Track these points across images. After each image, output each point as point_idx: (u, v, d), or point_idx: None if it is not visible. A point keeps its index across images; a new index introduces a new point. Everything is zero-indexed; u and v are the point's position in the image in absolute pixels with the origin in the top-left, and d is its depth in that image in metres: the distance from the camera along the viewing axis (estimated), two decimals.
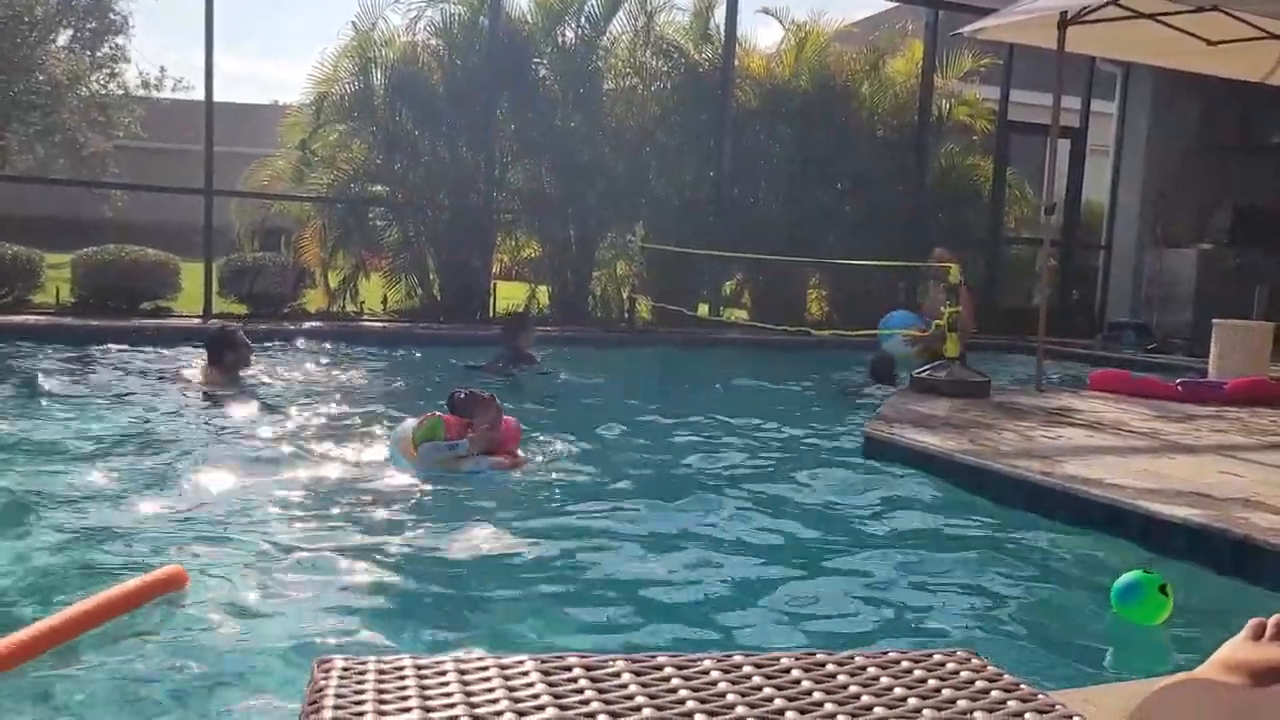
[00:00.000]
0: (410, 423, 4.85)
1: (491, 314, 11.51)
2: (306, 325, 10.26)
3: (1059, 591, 3.51)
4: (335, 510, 4.11)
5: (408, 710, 1.20)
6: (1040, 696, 1.29)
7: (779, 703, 1.25)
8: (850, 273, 11.10)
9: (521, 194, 12.21)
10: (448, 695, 1.24)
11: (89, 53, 23.43)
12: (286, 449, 5.16)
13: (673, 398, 7.74)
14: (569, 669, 1.33)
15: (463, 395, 4.93)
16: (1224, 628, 1.29)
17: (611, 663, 1.35)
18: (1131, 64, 12.83)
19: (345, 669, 1.33)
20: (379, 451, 5.06)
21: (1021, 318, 11.74)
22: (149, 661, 2.62)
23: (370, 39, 11.56)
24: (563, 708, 1.21)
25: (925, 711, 1.24)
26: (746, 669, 1.35)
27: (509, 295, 12.11)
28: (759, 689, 1.29)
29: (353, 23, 11.57)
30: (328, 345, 9.40)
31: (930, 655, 1.43)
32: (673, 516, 4.24)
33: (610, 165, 12.03)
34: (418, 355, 9.33)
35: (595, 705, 1.22)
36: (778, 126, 12.74)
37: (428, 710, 1.20)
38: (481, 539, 3.79)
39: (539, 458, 5.20)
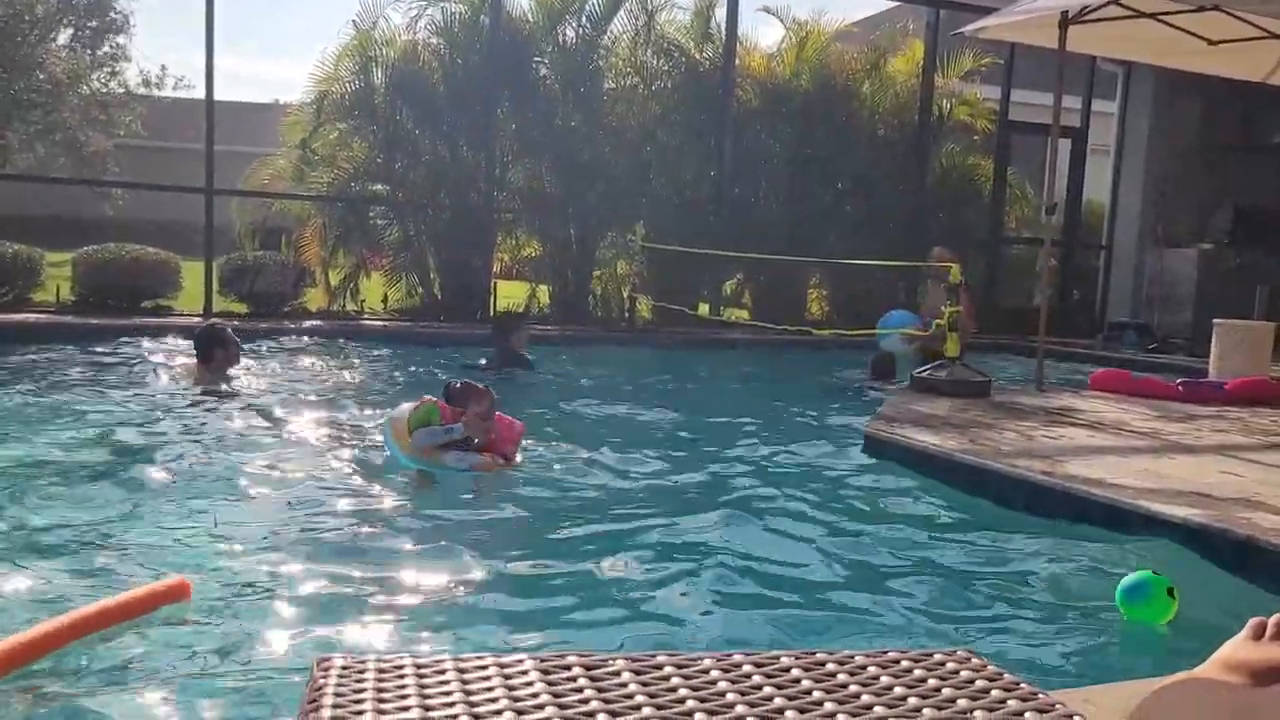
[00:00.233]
0: (405, 407, 4.86)
1: (492, 313, 11.52)
2: (307, 324, 10.26)
3: (1059, 591, 3.50)
4: (334, 509, 4.11)
5: (407, 709, 1.20)
6: (1040, 696, 1.29)
7: (779, 702, 1.25)
8: (851, 272, 11.10)
9: (522, 193, 12.21)
10: (447, 694, 1.24)
11: (90, 51, 23.45)
12: (285, 448, 5.16)
13: (672, 397, 7.74)
14: (568, 668, 1.32)
15: (458, 385, 4.95)
16: (1224, 628, 1.29)
17: (611, 662, 1.35)
18: (1132, 64, 12.83)
19: (345, 668, 1.33)
20: (378, 450, 5.06)
21: (1022, 318, 11.74)
22: (148, 660, 2.62)
23: (371, 38, 11.56)
24: (562, 707, 1.21)
25: (925, 711, 1.24)
26: (746, 668, 1.35)
27: (509, 294, 12.11)
28: (759, 688, 1.29)
29: (353, 21, 11.59)
30: (327, 344, 9.40)
31: (930, 655, 1.43)
32: (672, 516, 4.24)
33: (611, 165, 12.03)
34: (417, 354, 9.33)
35: (595, 705, 1.22)
36: (778, 126, 12.74)
37: (427, 709, 1.20)
38: (481, 538, 3.79)
39: (539, 450, 5.20)
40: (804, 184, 12.57)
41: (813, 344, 10.29)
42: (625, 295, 12.03)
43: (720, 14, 12.35)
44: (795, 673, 1.34)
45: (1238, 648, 1.19)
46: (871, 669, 1.36)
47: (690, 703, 1.23)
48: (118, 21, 23.86)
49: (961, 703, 1.26)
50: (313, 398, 6.75)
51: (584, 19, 11.97)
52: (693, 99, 12.39)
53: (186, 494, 4.20)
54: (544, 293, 12.39)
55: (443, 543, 3.72)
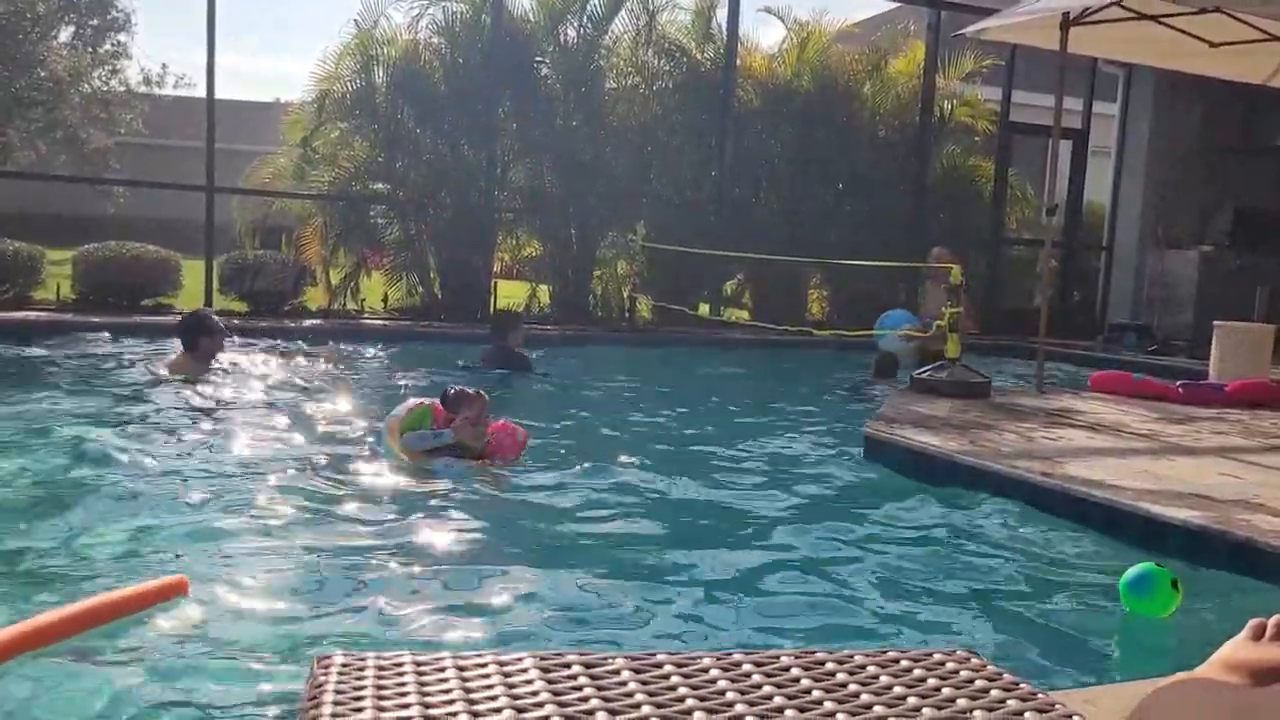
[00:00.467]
0: (401, 409, 4.88)
1: (492, 313, 11.51)
2: (307, 323, 10.26)
3: (1059, 591, 3.50)
4: (333, 507, 4.11)
5: (406, 706, 1.20)
6: (1040, 696, 1.29)
7: (778, 701, 1.25)
8: (851, 273, 11.09)
9: (523, 193, 12.20)
10: (447, 691, 1.24)
11: (91, 49, 23.42)
12: (284, 447, 5.16)
13: (672, 397, 7.74)
14: (568, 666, 1.32)
15: (453, 392, 4.96)
16: (1224, 629, 1.29)
17: (611, 660, 1.35)
18: (1133, 65, 12.82)
19: (345, 665, 1.33)
20: (376, 448, 5.06)
21: (1022, 319, 11.74)
22: (146, 658, 2.62)
23: (372, 37, 11.56)
24: (562, 705, 1.21)
25: (925, 710, 1.24)
26: (746, 667, 1.35)
27: (510, 294, 12.11)
28: (758, 687, 1.29)
29: (355, 20, 11.58)
30: (327, 343, 9.39)
31: (930, 654, 1.43)
32: (671, 515, 4.24)
33: (611, 164, 12.03)
34: (417, 354, 9.32)
35: (595, 703, 1.22)
36: (779, 126, 12.74)
37: (427, 706, 1.20)
38: (481, 537, 3.79)
39: (538, 449, 5.19)
40: (805, 184, 12.56)
41: (814, 344, 10.29)
42: (625, 295, 12.02)
43: (721, 14, 12.36)
44: (795, 672, 1.34)
45: (1238, 648, 1.19)
46: (871, 668, 1.36)
47: (690, 702, 1.23)
48: (119, 19, 23.85)
49: (961, 702, 1.26)
50: (312, 396, 6.74)
51: (585, 19, 11.97)
52: (694, 99, 12.39)
53: (184, 491, 4.19)
54: (544, 292, 12.39)
55: (443, 541, 3.73)
